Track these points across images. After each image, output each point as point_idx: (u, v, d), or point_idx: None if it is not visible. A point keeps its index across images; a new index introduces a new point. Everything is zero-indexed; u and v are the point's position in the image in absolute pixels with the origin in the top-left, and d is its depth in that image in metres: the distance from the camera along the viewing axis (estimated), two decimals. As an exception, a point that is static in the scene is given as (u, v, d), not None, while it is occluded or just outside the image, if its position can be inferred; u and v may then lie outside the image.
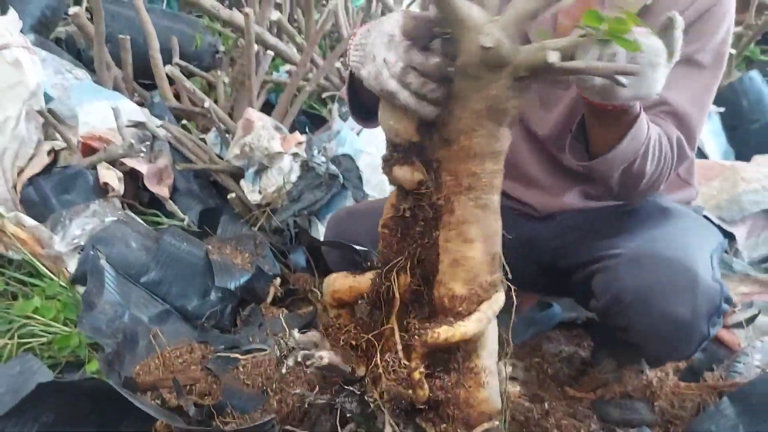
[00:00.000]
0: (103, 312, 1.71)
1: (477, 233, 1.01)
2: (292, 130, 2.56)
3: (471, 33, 0.90)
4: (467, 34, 0.91)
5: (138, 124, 2.32)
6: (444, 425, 1.04)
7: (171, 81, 2.80)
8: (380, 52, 0.96)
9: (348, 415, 1.14)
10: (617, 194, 1.37)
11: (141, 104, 2.62)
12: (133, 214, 2.10)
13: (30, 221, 1.85)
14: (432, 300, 1.08)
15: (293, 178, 2.30)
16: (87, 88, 2.35)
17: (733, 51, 3.17)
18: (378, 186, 2.34)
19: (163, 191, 2.21)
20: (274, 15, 2.82)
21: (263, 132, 2.31)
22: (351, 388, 1.12)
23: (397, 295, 1.09)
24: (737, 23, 3.50)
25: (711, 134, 2.87)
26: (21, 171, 1.93)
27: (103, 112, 2.25)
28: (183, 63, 2.93)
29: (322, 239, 2.10)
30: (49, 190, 1.93)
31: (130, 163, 2.16)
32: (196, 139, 2.49)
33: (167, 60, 2.85)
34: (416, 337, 1.03)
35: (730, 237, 2.28)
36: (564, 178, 1.55)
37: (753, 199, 2.29)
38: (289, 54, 2.89)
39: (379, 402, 1.07)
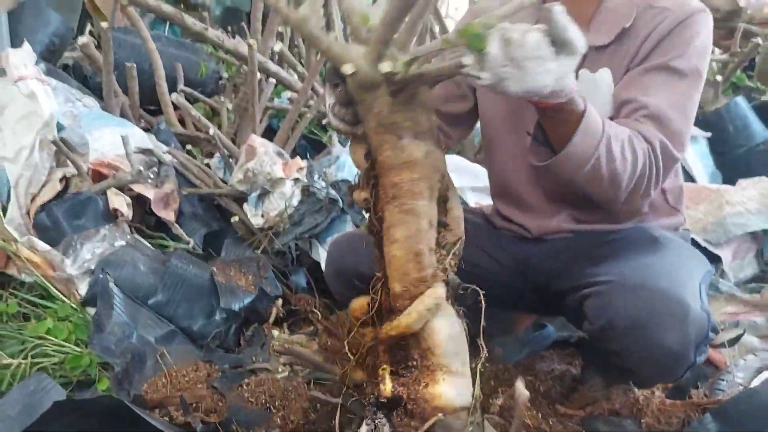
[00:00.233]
0: (113, 333, 1.78)
1: (400, 234, 1.12)
2: (293, 155, 2.64)
3: (336, 62, 1.06)
4: (336, 64, 1.06)
5: (145, 151, 2.41)
6: (405, 419, 1.12)
7: (176, 106, 2.89)
8: (326, 99, 1.19)
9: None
10: (604, 201, 1.38)
11: (147, 130, 2.71)
12: (140, 238, 2.18)
13: (43, 245, 1.92)
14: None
15: (294, 202, 2.37)
16: (96, 116, 2.44)
17: (720, 78, 3.27)
18: (376, 210, 2.41)
19: (169, 215, 2.29)
20: (277, 46, 2.92)
21: (266, 158, 2.39)
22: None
23: (377, 305, 1.21)
24: (724, 50, 3.62)
25: (699, 158, 2.96)
26: (34, 197, 2.01)
27: (111, 139, 2.34)
28: (188, 89, 3.02)
29: (322, 262, 2.18)
30: (61, 216, 2.00)
31: (137, 188, 2.24)
32: (200, 165, 2.57)
33: (172, 86, 2.94)
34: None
35: (716, 259, 2.36)
36: (554, 201, 1.60)
37: (737, 222, 2.36)
38: (291, 81, 2.99)
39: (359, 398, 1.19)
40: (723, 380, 1.76)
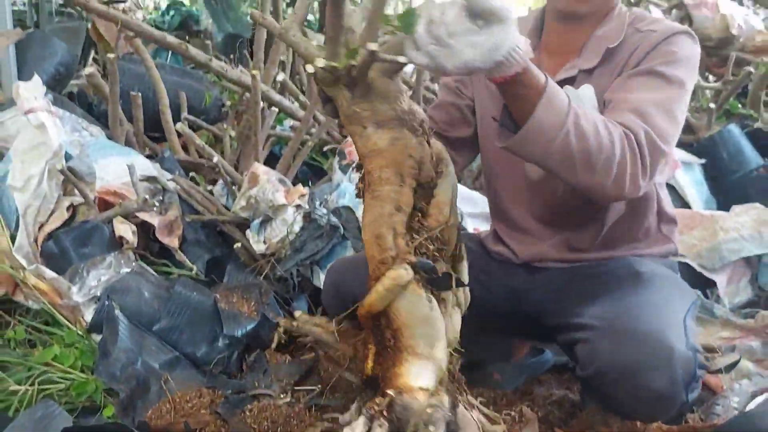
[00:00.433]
0: (118, 359, 1.81)
1: (368, 219, 1.18)
2: (295, 182, 2.69)
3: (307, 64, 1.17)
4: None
5: (150, 178, 2.45)
6: (379, 397, 1.13)
7: (179, 133, 2.95)
8: None
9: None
10: (589, 190, 1.30)
11: (151, 156, 2.76)
12: (145, 265, 2.22)
13: (50, 273, 1.96)
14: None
15: (296, 228, 2.41)
16: (102, 145, 2.50)
17: (713, 105, 3.33)
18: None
19: (173, 242, 2.32)
20: (280, 76, 2.99)
21: (268, 185, 2.44)
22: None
23: None
24: (717, 77, 3.68)
25: (693, 184, 3.01)
26: (42, 226, 2.05)
27: (117, 167, 2.39)
28: (191, 117, 3.08)
29: (322, 287, 2.21)
30: (68, 244, 2.03)
31: (142, 216, 2.28)
32: (204, 192, 2.62)
33: (175, 114, 3.00)
34: None
35: (711, 284, 2.39)
36: (550, 225, 1.63)
37: (732, 248, 2.40)
38: (293, 110, 3.05)
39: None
40: (718, 404, 1.78)
